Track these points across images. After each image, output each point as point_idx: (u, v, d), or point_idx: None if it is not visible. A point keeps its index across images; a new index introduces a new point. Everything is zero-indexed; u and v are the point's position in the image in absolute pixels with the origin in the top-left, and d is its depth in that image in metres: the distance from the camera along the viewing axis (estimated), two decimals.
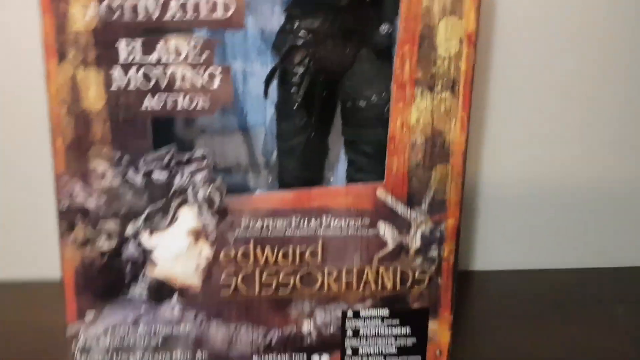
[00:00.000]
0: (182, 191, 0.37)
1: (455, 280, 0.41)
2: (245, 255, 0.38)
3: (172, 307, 0.39)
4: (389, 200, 0.39)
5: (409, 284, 0.40)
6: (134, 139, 0.36)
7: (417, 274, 0.40)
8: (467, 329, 0.49)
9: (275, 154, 0.41)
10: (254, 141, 0.41)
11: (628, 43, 0.57)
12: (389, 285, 0.40)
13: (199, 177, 0.37)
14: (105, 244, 0.38)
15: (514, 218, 0.61)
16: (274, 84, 0.39)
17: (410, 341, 0.41)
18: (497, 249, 0.62)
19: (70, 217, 0.37)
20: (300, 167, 0.41)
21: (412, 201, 0.39)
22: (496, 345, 0.48)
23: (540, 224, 0.61)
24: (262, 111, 0.40)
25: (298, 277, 0.39)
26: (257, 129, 0.41)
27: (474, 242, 0.62)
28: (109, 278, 0.38)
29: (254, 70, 0.39)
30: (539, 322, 0.51)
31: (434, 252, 0.40)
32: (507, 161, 0.59)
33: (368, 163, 0.40)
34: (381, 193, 0.38)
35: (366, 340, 0.41)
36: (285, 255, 0.39)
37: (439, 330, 0.41)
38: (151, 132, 0.36)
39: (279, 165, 0.41)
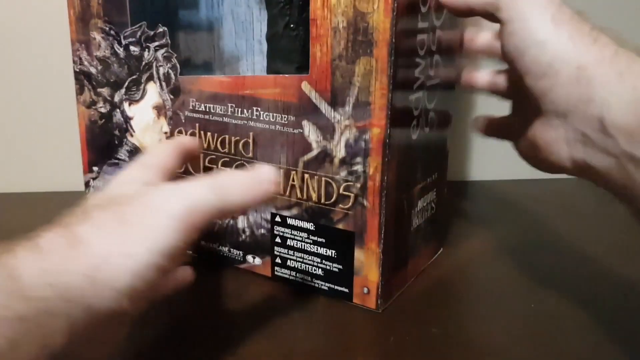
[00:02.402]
0: (149, 66, 0.40)
1: (385, 210, 0.33)
2: (193, 136, 0.39)
3: None
4: (313, 95, 0.34)
5: (333, 199, 0.35)
6: (117, 14, 0.41)
7: (341, 189, 0.34)
8: (462, 230, 0.49)
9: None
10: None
11: None
12: (313, 195, 0.36)
13: (160, 53, 0.40)
14: (102, 108, 0.44)
15: None
16: None
17: (336, 267, 0.36)
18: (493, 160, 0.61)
19: (80, 79, 0.44)
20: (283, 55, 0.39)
21: (335, 100, 0.33)
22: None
23: None
24: None
25: (234, 167, 0.38)
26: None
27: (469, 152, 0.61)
28: (105, 139, 0.44)
29: None
30: (537, 219, 0.52)
31: (358, 166, 0.34)
32: None
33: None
34: (305, 86, 0.34)
35: (293, 253, 0.37)
36: (222, 143, 0.38)
37: (366, 264, 0.35)
38: (128, 9, 0.40)
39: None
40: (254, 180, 0.29)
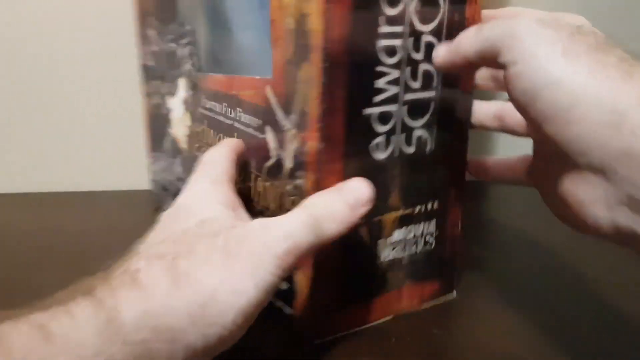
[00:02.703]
0: (180, 62, 0.42)
1: None
2: (203, 132, 0.40)
3: (179, 165, 0.46)
4: (273, 100, 0.32)
5: (285, 211, 0.32)
6: (163, 11, 0.44)
7: (290, 202, 0.32)
8: None
9: None
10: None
11: None
12: (272, 206, 0.33)
13: (187, 50, 0.41)
14: (156, 100, 0.47)
15: None
16: None
17: (285, 284, 0.33)
18: None
19: (143, 72, 0.48)
20: None
21: (286, 107, 0.31)
22: None
23: None
24: None
25: None
26: None
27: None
28: (156, 130, 0.48)
29: None
30: None
31: (300, 180, 0.31)
32: None
33: None
34: (268, 90, 0.32)
35: None
36: (219, 141, 0.38)
37: (299, 286, 0.32)
38: (172, 7, 0.43)
39: None
40: (350, 206, 0.27)
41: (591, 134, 0.22)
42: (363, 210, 0.28)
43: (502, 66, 0.25)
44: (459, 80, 0.33)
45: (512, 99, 0.26)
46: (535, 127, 0.25)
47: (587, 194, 0.24)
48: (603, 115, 0.22)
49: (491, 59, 0.26)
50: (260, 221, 0.26)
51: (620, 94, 0.22)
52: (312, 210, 0.26)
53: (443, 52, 0.30)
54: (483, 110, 0.36)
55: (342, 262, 0.32)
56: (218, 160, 0.31)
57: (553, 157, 0.25)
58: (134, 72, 0.50)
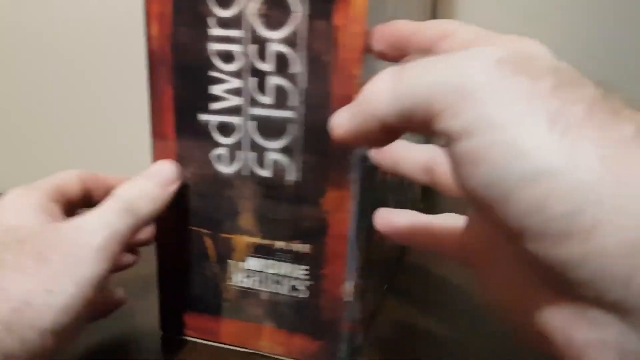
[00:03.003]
0: None
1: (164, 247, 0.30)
2: None
3: None
4: None
5: None
6: None
7: None
8: None
9: None
10: None
11: None
12: None
13: None
14: None
15: None
16: None
17: None
18: None
19: None
20: None
21: None
22: None
23: None
24: None
25: None
26: None
27: None
28: None
29: None
30: None
31: None
32: None
33: None
34: None
35: None
36: None
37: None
38: None
39: None
40: (160, 185, 0.28)
41: (610, 260, 0.14)
42: (173, 187, 0.29)
43: (443, 136, 0.17)
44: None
45: (466, 192, 0.17)
46: (503, 234, 0.16)
47: (585, 334, 0.16)
48: (631, 231, 0.14)
49: (423, 125, 0.17)
50: (72, 222, 0.26)
51: None
52: (124, 196, 0.27)
53: (345, 119, 0.20)
54: (409, 159, 0.27)
55: (184, 267, 0.31)
56: (54, 176, 0.30)
57: (523, 267, 0.17)
58: None
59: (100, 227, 0.25)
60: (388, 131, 0.19)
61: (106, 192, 0.29)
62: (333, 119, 0.21)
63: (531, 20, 0.55)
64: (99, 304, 0.28)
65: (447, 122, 0.16)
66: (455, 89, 0.16)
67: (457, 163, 0.16)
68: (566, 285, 0.15)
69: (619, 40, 0.55)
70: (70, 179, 0.30)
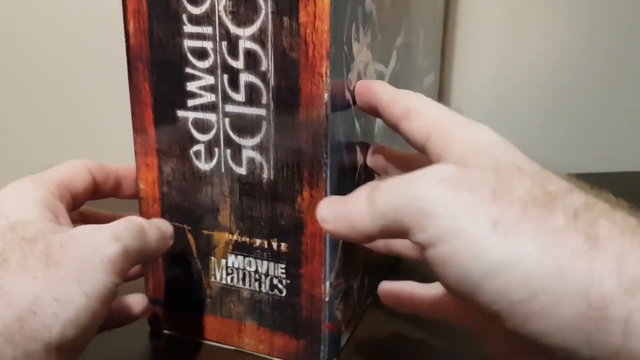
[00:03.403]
0: None
1: None
2: None
3: None
4: None
5: None
6: None
7: None
8: None
9: None
10: None
11: None
12: None
13: None
14: None
15: None
16: None
17: None
18: None
19: None
20: None
21: None
22: None
23: None
24: None
25: None
26: None
27: None
28: None
29: None
30: None
31: None
32: None
33: None
34: None
35: None
36: None
37: None
38: None
39: None
40: (163, 234, 0.28)
41: (567, 329, 0.17)
42: (170, 243, 0.28)
43: (420, 245, 0.20)
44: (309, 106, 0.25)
45: (443, 285, 0.20)
46: (488, 319, 0.19)
47: None
48: (576, 307, 0.17)
49: (402, 236, 0.20)
50: (84, 228, 0.24)
51: (591, 274, 0.17)
52: (136, 221, 0.26)
53: (331, 218, 0.23)
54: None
55: (167, 262, 0.32)
56: (61, 167, 0.28)
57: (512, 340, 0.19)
58: None
59: (113, 240, 0.23)
60: (372, 238, 0.22)
61: (116, 182, 0.30)
62: (318, 209, 0.23)
63: (531, 16, 0.53)
64: (104, 319, 0.25)
65: (418, 236, 0.19)
66: (416, 209, 0.19)
67: (432, 265, 0.20)
68: (544, 349, 0.18)
69: (619, 40, 0.52)
70: (77, 171, 0.28)
